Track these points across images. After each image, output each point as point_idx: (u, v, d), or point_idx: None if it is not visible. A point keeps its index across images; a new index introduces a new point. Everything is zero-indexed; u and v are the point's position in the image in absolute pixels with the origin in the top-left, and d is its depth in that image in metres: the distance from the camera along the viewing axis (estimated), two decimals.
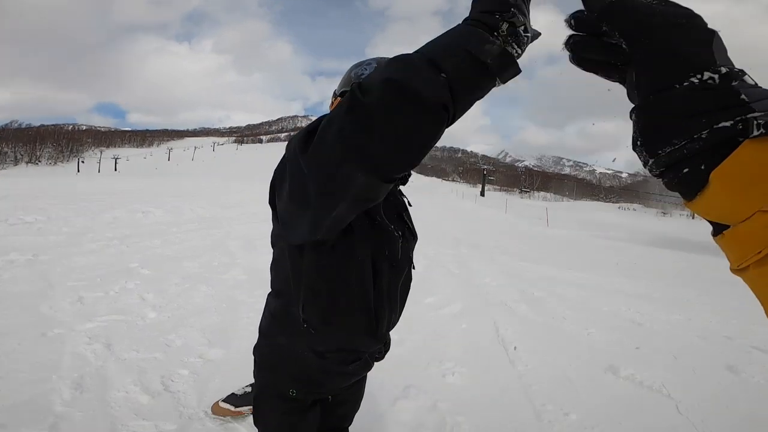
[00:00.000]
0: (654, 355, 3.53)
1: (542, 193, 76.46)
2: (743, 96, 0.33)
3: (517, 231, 16.84)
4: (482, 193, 48.46)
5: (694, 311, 5.24)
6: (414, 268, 1.20)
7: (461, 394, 2.56)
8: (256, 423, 1.19)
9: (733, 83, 0.34)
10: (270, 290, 1.14)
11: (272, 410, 1.15)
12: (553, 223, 22.25)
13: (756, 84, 0.35)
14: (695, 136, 0.33)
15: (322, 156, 0.55)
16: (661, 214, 59.43)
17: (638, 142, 0.38)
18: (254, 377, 1.19)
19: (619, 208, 61.43)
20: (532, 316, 4.44)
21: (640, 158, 0.38)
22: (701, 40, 0.36)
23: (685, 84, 0.35)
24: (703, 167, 0.33)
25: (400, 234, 1.09)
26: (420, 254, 7.47)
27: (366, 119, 0.50)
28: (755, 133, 0.31)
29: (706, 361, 3.44)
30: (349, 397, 1.33)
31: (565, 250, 12.01)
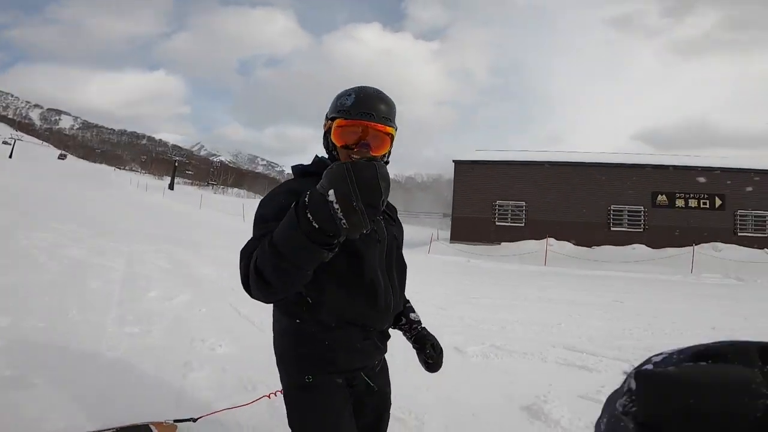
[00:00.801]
0: None
1: (236, 189, 77.37)
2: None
3: (216, 226, 17.10)
4: (171, 187, 44.39)
5: None
6: (400, 248, 1.32)
7: (240, 358, 3.04)
8: (290, 425, 1.18)
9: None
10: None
11: (300, 412, 1.16)
12: (249, 219, 23.60)
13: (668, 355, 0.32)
14: None
15: (255, 297, 0.94)
16: None
17: None
18: (280, 378, 1.23)
19: None
20: None
21: None
22: None
23: None
24: None
25: (382, 218, 1.24)
26: (114, 252, 6.83)
27: (270, 292, 0.88)
28: None
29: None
30: (379, 383, 1.31)
31: None
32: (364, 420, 1.28)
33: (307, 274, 0.85)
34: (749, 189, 17.06)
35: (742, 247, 15.98)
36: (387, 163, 1.24)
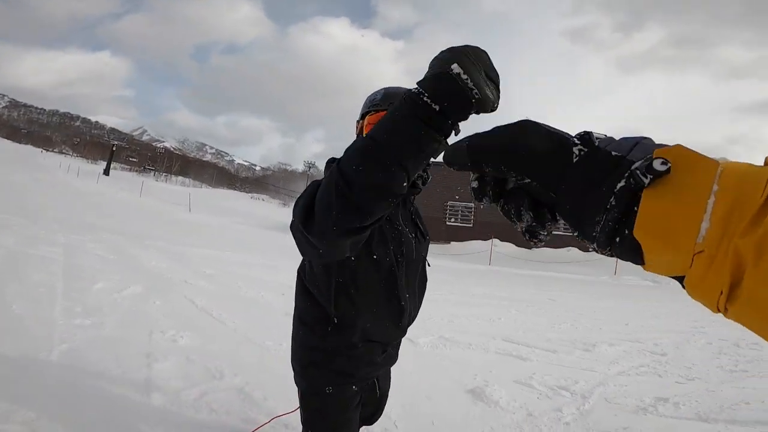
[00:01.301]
0: None
1: (180, 177, 72.90)
2: (613, 152, 0.33)
3: (160, 216, 16.32)
4: (107, 172, 41.16)
5: None
6: (429, 265, 1.35)
7: (204, 349, 3.10)
8: (303, 424, 1.26)
9: (597, 144, 0.35)
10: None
11: (316, 414, 1.24)
12: (196, 209, 22.71)
13: (606, 135, 0.36)
14: (607, 207, 0.32)
15: (320, 231, 0.73)
16: (282, 205, 71.54)
17: (578, 234, 0.36)
18: (297, 386, 1.27)
19: (251, 197, 68.59)
20: (214, 289, 5.24)
21: (593, 249, 0.36)
22: (544, 134, 0.37)
23: (569, 167, 0.35)
24: (626, 231, 0.32)
25: (413, 236, 1.25)
26: (50, 242, 6.46)
27: (354, 209, 0.68)
28: (645, 181, 0.30)
29: None
30: (383, 385, 1.44)
31: (214, 235, 13.07)
32: (362, 413, 1.37)
33: (403, 187, 0.69)
34: None
35: None
36: (429, 165, 1.11)
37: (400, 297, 1.19)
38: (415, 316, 1.33)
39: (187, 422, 2.13)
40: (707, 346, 4.63)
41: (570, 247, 18.59)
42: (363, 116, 1.24)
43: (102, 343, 2.95)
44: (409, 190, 1.06)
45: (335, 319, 1.17)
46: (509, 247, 18.24)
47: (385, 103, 1.18)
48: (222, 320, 4.00)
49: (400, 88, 1.23)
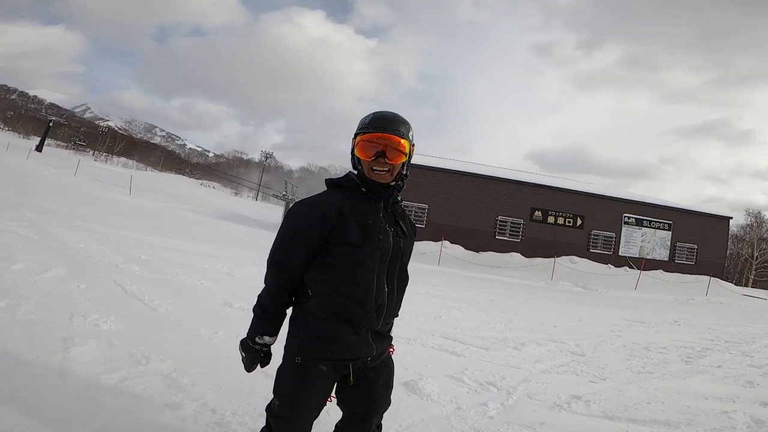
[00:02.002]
0: (247, 292, 5.08)
1: (123, 158, 67.89)
2: None
3: (95, 197, 15.17)
4: (39, 148, 37.78)
5: (261, 266, 7.43)
6: (406, 265, 1.53)
7: (130, 334, 2.96)
8: (273, 392, 1.43)
9: None
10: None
11: (282, 379, 1.42)
12: (138, 193, 21.36)
13: None
14: None
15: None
16: (234, 194, 69.08)
17: None
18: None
19: (201, 184, 65.52)
20: (148, 274, 4.99)
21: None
22: None
23: None
24: None
25: (393, 230, 1.45)
26: None
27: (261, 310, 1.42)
28: None
29: None
30: (375, 379, 1.50)
31: (155, 220, 12.37)
32: (352, 410, 1.54)
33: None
34: (602, 213, 20.60)
35: (592, 262, 19.21)
36: (406, 176, 1.49)
37: (367, 281, 1.36)
38: (396, 308, 1.49)
39: (105, 405, 2.04)
40: (621, 349, 5.03)
41: (513, 253, 19.49)
42: (355, 135, 1.45)
43: (16, 326, 2.74)
44: (389, 193, 1.45)
45: (309, 290, 1.39)
46: (458, 250, 18.79)
47: (372, 126, 1.42)
48: (153, 307, 3.82)
49: (389, 113, 1.46)
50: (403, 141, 1.42)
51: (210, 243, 9.41)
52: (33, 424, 1.79)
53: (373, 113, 1.46)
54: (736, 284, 26.82)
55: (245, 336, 1.45)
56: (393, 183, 1.45)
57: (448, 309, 6.19)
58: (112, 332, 2.98)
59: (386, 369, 1.57)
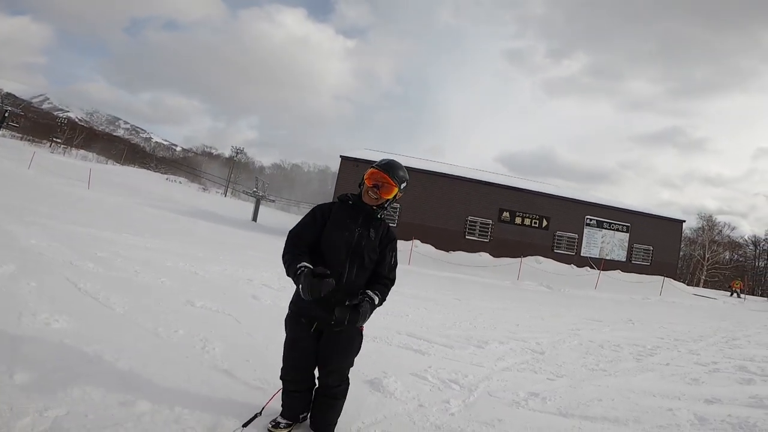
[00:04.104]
0: (211, 291, 4.99)
1: (83, 151, 64.19)
2: None
3: (50, 191, 14.35)
4: None
5: (226, 264, 7.30)
6: (365, 258, 2.12)
7: (82, 333, 2.85)
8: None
9: None
10: None
11: (286, 324, 2.19)
12: (97, 187, 20.35)
13: None
14: None
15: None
16: (202, 189, 66.92)
17: None
18: None
19: (167, 179, 63.06)
20: (105, 272, 4.78)
21: None
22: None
23: None
24: None
25: (359, 232, 2.12)
26: None
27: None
28: None
29: (240, 293, 5.27)
30: (332, 342, 2.13)
31: (115, 215, 11.85)
32: (320, 352, 2.14)
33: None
34: (566, 215, 21.40)
35: (556, 262, 19.90)
36: (388, 206, 2.20)
37: (332, 266, 2.03)
38: (354, 285, 2.10)
39: (55, 403, 1.97)
40: (578, 347, 5.26)
41: (482, 252, 19.93)
42: (369, 168, 2.15)
43: None
44: (368, 211, 2.16)
45: None
46: (429, 249, 19.02)
47: (381, 167, 2.15)
48: (109, 305, 3.68)
49: (397, 164, 2.19)
50: (394, 187, 2.15)
51: (174, 240, 9.11)
52: None
53: (387, 160, 2.20)
54: (688, 284, 28.51)
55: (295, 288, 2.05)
56: (375, 207, 2.16)
57: (415, 308, 6.27)
58: (63, 331, 2.85)
59: (347, 338, 2.15)
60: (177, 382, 2.46)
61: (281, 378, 2.20)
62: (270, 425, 2.16)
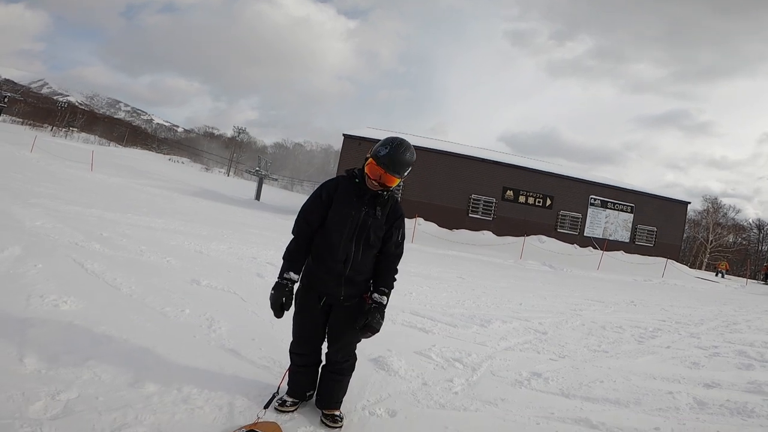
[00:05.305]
0: (216, 270, 5.05)
1: (84, 134, 63.83)
2: None
3: (53, 173, 14.34)
4: None
5: (230, 242, 7.34)
6: (371, 236, 2.11)
7: (91, 314, 2.88)
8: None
9: None
10: None
11: (297, 297, 2.17)
12: (100, 169, 20.33)
13: None
14: None
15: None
16: (205, 169, 66.82)
17: None
18: None
19: (169, 159, 62.93)
20: (111, 252, 4.82)
21: None
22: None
23: None
24: None
25: (364, 212, 2.10)
26: None
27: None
28: None
29: (245, 272, 5.30)
30: (340, 317, 2.16)
31: (118, 196, 11.87)
32: (333, 322, 2.18)
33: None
34: (570, 194, 21.28)
35: (559, 241, 19.89)
36: (392, 190, 2.16)
37: (337, 241, 2.08)
38: (362, 263, 2.12)
39: (66, 386, 2.00)
40: (580, 327, 5.29)
41: (485, 231, 19.94)
42: (368, 157, 2.09)
43: None
44: (374, 193, 2.11)
45: (312, 246, 2.16)
46: (432, 227, 19.04)
47: (380, 161, 2.04)
48: (116, 285, 3.71)
49: (398, 155, 2.06)
50: (396, 179, 2.08)
51: (178, 220, 9.13)
52: None
53: (390, 147, 2.06)
54: (690, 267, 28.49)
55: (276, 281, 2.10)
56: (381, 191, 2.13)
57: (418, 286, 6.31)
58: (71, 312, 2.89)
59: (354, 314, 2.13)
60: (184, 361, 2.50)
61: (290, 351, 2.23)
62: (276, 404, 2.18)
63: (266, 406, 2.11)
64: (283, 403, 2.20)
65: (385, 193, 2.13)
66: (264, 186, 29.71)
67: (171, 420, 1.93)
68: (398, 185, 2.18)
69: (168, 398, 2.08)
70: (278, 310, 2.07)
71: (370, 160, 2.07)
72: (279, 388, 2.25)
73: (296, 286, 2.15)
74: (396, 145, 2.07)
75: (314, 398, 2.28)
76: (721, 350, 4.86)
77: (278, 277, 2.10)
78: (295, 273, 2.10)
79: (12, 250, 4.04)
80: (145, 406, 1.98)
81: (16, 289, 3.13)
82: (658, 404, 3.01)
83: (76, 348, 2.38)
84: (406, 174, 2.10)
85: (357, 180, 2.13)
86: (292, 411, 2.20)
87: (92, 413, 1.85)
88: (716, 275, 24.33)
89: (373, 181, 2.08)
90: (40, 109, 65.31)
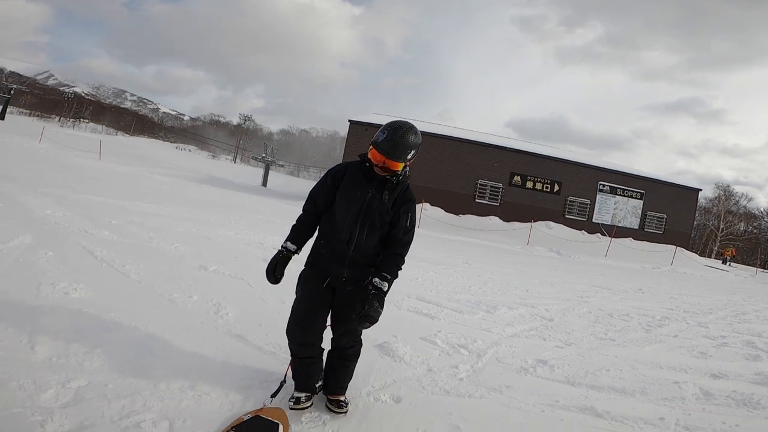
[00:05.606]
0: (223, 255, 5.10)
1: (92, 124, 64.25)
2: None
3: (62, 163, 14.46)
4: (1, 116, 35.68)
5: (238, 228, 7.38)
6: (376, 219, 2.08)
7: (100, 301, 2.92)
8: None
9: None
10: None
11: (300, 278, 2.19)
12: (108, 158, 20.46)
13: None
14: None
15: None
16: (212, 157, 67.06)
17: None
18: None
19: (176, 147, 63.22)
20: (119, 239, 4.88)
21: None
22: None
23: None
24: None
25: (370, 194, 2.07)
26: None
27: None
28: None
29: (252, 257, 5.36)
30: (344, 301, 2.15)
31: (127, 184, 11.96)
32: (333, 312, 2.17)
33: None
34: (579, 180, 21.04)
35: (567, 227, 19.75)
36: (402, 173, 2.09)
37: (342, 222, 2.09)
38: (366, 245, 2.10)
39: (76, 373, 2.03)
40: (587, 315, 5.27)
41: (492, 216, 19.85)
42: (371, 144, 2.04)
43: None
44: (381, 177, 2.08)
45: (319, 226, 2.20)
46: (439, 212, 18.99)
47: (380, 148, 1.99)
48: (125, 272, 3.76)
49: (398, 138, 2.00)
50: (399, 164, 2.02)
51: (185, 206, 9.19)
52: (5, 393, 1.78)
53: (388, 132, 2.00)
54: (700, 255, 28.14)
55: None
56: (389, 177, 2.07)
57: (424, 271, 6.32)
58: (81, 300, 2.93)
59: (356, 298, 2.10)
60: (192, 348, 2.53)
61: (290, 343, 2.15)
62: (291, 404, 2.11)
63: (273, 395, 2.10)
64: (297, 401, 2.13)
65: (393, 178, 2.08)
66: (270, 172, 29.77)
67: (178, 407, 1.95)
68: (404, 170, 2.07)
69: (175, 385, 2.10)
70: (270, 274, 2.11)
71: (371, 147, 2.03)
72: (285, 376, 2.24)
73: (301, 260, 2.21)
74: (395, 128, 2.00)
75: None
76: (729, 340, 4.82)
77: (284, 241, 2.18)
78: (292, 244, 2.15)
79: (23, 239, 4.09)
80: (153, 393, 2.01)
81: (28, 276, 3.17)
82: (664, 394, 2.99)
83: (86, 335, 2.41)
84: (410, 157, 2.04)
85: (367, 164, 2.09)
86: (310, 405, 2.15)
87: (102, 401, 1.88)
88: (722, 262, 24.14)
89: (379, 168, 2.05)
90: (46, 100, 65.85)
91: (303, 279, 2.18)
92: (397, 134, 1.99)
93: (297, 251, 2.17)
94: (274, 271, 2.10)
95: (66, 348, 2.22)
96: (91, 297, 3.01)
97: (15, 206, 5.62)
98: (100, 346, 2.31)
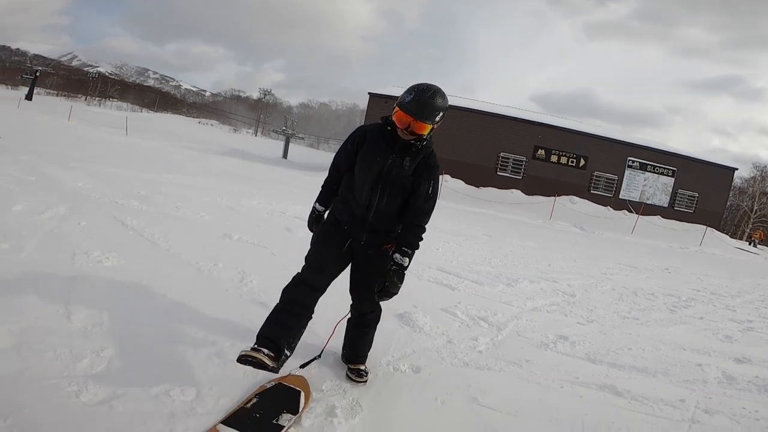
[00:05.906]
0: (247, 224, 5.24)
1: (117, 102, 65.62)
2: None
3: (90, 139, 14.83)
4: (29, 97, 36.61)
5: (260, 198, 7.52)
6: (396, 186, 2.03)
7: (131, 270, 3.04)
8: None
9: None
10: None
11: (319, 230, 2.22)
12: (134, 133, 20.88)
13: None
14: None
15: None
16: (233, 131, 67.63)
17: None
18: None
19: (199, 122, 64.09)
20: (148, 209, 5.03)
21: None
22: None
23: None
24: None
25: (392, 159, 2.00)
26: None
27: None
28: None
29: (274, 226, 5.44)
30: (362, 263, 2.14)
31: (153, 158, 12.24)
32: (353, 276, 2.19)
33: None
34: (606, 155, 20.29)
35: (591, 203, 19.25)
36: (426, 140, 2.00)
37: (361, 185, 2.04)
38: (386, 210, 2.05)
39: (111, 340, 2.12)
40: (610, 292, 5.17)
41: (514, 190, 19.48)
42: (395, 105, 1.94)
43: (20, 267, 2.74)
44: (404, 142, 1.98)
45: (340, 188, 2.17)
46: (459, 184, 18.77)
47: (406, 108, 1.90)
48: (154, 241, 3.88)
49: (424, 98, 1.90)
50: (427, 125, 1.91)
51: (209, 178, 9.38)
52: (42, 364, 1.84)
53: (415, 93, 1.90)
54: (731, 236, 26.97)
55: None
56: (413, 141, 1.98)
57: (445, 242, 6.30)
58: (114, 268, 3.04)
59: (375, 263, 2.11)
60: (218, 315, 2.61)
61: (289, 283, 2.09)
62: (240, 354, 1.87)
63: (303, 366, 2.09)
64: (245, 356, 1.85)
65: (418, 142, 1.98)
66: (291, 145, 30.00)
67: (204, 374, 2.01)
68: (430, 134, 1.97)
69: (202, 352, 2.17)
70: (311, 229, 2.29)
71: (396, 109, 1.92)
72: (322, 351, 2.21)
73: (326, 215, 2.26)
74: (422, 89, 1.91)
75: (340, 352, 2.33)
76: (755, 325, 4.67)
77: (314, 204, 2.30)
78: (320, 204, 2.25)
79: (57, 210, 4.25)
80: (181, 361, 2.08)
81: (62, 246, 3.29)
82: (685, 376, 2.93)
83: (119, 304, 2.50)
84: (438, 119, 1.93)
85: (389, 128, 2.00)
86: (267, 368, 1.85)
87: (132, 369, 1.94)
88: (749, 244, 23.32)
89: (403, 132, 1.94)
90: (72, 80, 67.55)
91: (324, 226, 2.20)
92: (426, 95, 1.90)
93: (325, 211, 2.25)
94: (312, 228, 2.28)
95: (100, 316, 2.30)
96: (122, 265, 3.12)
97: (48, 180, 5.82)
98: (132, 312, 2.41)
